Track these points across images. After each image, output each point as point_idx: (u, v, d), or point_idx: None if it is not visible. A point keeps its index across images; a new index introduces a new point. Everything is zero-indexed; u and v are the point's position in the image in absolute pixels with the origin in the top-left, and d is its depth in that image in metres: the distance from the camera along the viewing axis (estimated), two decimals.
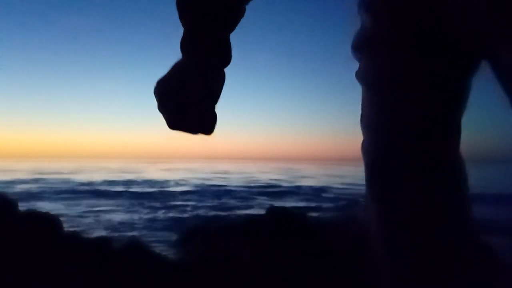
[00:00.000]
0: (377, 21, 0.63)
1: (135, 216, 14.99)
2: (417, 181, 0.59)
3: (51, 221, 4.86)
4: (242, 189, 25.77)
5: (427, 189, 0.58)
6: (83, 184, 27.12)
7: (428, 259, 0.59)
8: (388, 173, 0.61)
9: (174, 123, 0.68)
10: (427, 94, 0.59)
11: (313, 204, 17.94)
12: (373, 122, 0.65)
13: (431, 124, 0.58)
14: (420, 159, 0.58)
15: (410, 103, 0.59)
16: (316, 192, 23.82)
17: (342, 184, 29.94)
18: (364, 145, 0.68)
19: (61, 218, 5.27)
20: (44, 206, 15.51)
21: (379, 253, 0.70)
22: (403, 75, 0.60)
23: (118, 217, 14.70)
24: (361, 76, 0.69)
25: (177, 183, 28.36)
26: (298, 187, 27.25)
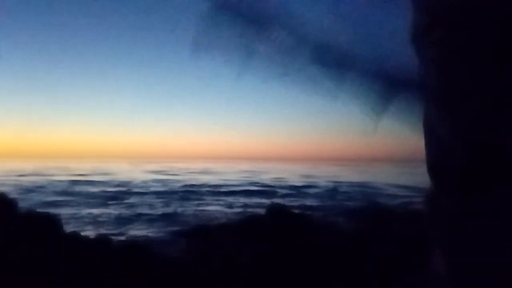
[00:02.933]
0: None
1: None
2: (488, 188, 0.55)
3: (51, 221, 4.85)
4: None
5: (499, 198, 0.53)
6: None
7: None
8: (456, 179, 0.57)
9: None
10: (497, 97, 0.52)
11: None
12: (436, 128, 0.59)
13: (503, 129, 0.52)
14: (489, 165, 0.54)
15: (478, 108, 0.53)
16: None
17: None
18: (427, 147, 0.62)
19: None
20: None
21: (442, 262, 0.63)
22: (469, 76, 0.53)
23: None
24: (422, 82, 0.62)
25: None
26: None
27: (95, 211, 15.38)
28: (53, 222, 4.89)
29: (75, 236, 4.96)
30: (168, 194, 22.34)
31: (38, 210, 5.59)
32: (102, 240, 5.04)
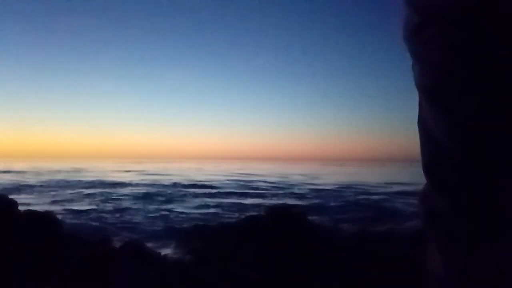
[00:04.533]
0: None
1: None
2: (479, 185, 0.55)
3: (51, 221, 4.86)
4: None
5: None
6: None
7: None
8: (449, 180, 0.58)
9: None
10: (488, 95, 0.52)
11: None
12: (431, 127, 0.60)
13: (497, 129, 0.53)
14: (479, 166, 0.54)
15: (469, 107, 0.53)
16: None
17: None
18: (422, 146, 0.63)
19: None
20: None
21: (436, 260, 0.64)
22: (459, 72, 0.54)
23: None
24: (416, 81, 0.62)
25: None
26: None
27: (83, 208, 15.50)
28: (53, 222, 4.90)
29: (75, 236, 4.97)
30: (157, 194, 22.52)
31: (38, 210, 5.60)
32: (101, 240, 5.05)
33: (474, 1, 0.51)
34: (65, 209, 15.16)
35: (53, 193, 21.05)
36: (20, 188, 22.47)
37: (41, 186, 24.54)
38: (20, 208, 5.00)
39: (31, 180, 28.04)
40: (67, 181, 28.07)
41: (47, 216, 5.01)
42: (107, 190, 23.68)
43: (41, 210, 5.36)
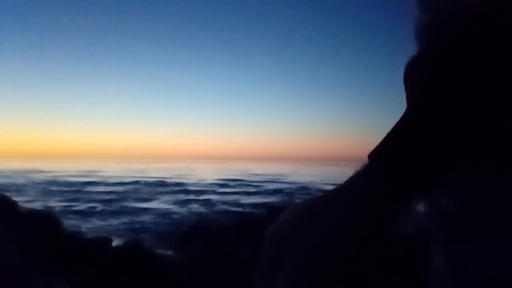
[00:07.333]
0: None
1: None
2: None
3: (51, 221, 4.86)
4: None
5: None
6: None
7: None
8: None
9: None
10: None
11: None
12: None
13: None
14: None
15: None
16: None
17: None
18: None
19: None
20: None
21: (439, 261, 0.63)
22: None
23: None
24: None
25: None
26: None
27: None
28: (54, 222, 4.90)
29: (75, 236, 4.97)
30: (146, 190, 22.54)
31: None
32: (101, 240, 5.05)
33: (482, 2, 0.52)
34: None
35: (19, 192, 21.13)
36: None
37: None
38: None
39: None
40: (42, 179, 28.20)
41: (48, 217, 5.01)
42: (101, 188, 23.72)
43: (44, 211, 5.36)
